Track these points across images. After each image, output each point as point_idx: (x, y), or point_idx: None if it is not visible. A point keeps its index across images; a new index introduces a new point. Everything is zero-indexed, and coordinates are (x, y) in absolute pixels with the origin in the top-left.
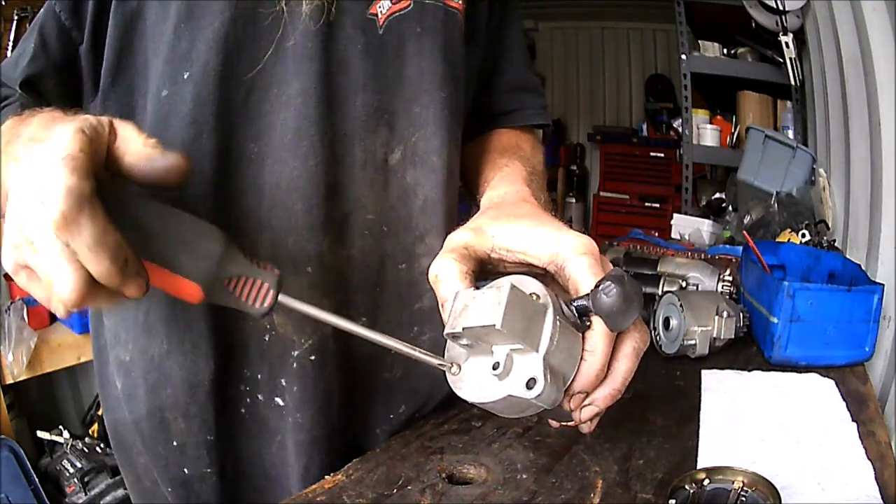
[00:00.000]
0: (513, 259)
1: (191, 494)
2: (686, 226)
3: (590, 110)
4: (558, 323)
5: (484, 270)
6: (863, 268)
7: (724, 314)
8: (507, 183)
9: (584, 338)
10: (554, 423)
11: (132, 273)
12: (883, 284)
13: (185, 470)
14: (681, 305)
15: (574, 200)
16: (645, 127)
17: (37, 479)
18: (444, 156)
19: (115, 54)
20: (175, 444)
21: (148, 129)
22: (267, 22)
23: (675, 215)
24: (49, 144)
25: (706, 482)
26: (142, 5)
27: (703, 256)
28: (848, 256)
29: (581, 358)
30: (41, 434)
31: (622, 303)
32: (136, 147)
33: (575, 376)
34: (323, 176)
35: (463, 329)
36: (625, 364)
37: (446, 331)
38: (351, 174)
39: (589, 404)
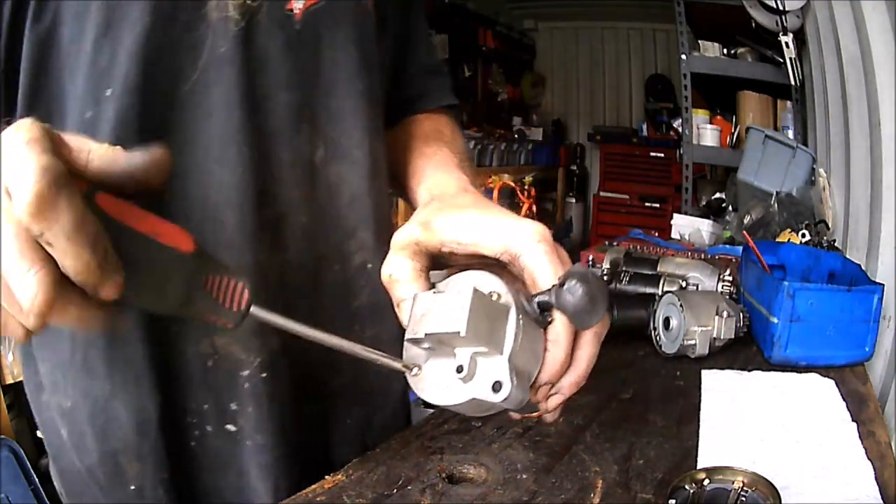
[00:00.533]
0: (464, 251)
1: None
2: (686, 226)
3: (590, 110)
4: (521, 322)
5: (435, 264)
6: (863, 268)
7: (724, 314)
8: (442, 172)
9: (545, 330)
10: (517, 416)
11: (111, 269)
12: (883, 284)
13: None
14: (681, 305)
15: (574, 200)
16: (645, 127)
17: (37, 479)
18: (365, 148)
19: (30, 80)
20: (133, 487)
21: None
22: (186, 28)
23: (675, 215)
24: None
25: (706, 482)
26: (56, 25)
27: (703, 256)
28: (848, 256)
29: (544, 349)
30: (41, 434)
31: (588, 302)
32: (101, 151)
33: (540, 368)
34: (252, 182)
35: (426, 335)
36: (587, 351)
37: (407, 336)
38: (280, 176)
39: (554, 393)
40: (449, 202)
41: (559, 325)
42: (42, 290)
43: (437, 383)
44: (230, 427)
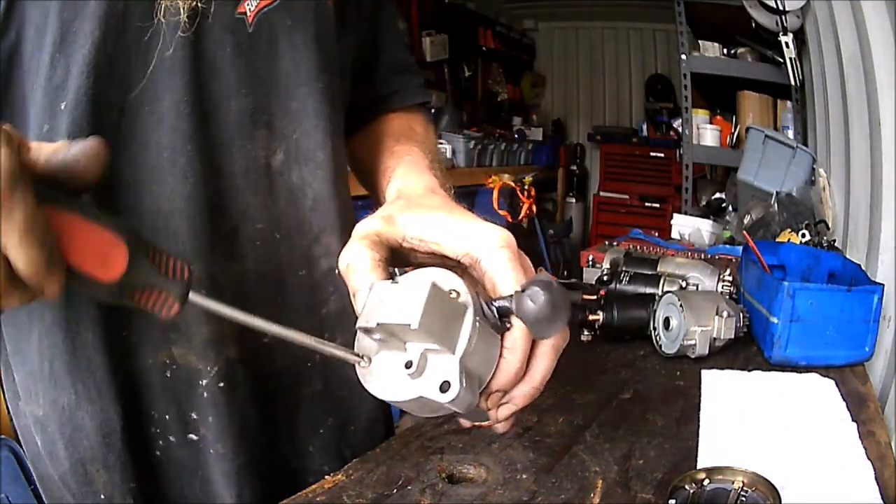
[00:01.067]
0: (425, 249)
1: None
2: (686, 226)
3: (590, 110)
4: (477, 324)
5: (395, 259)
6: (863, 268)
7: (724, 314)
8: (413, 173)
9: (502, 336)
10: (466, 424)
11: (56, 266)
12: (883, 284)
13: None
14: (681, 305)
15: (574, 200)
16: (645, 127)
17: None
18: (328, 149)
19: None
20: (102, 496)
21: None
22: (136, 37)
23: (675, 215)
24: None
25: (706, 482)
26: (19, 40)
27: (703, 256)
28: (848, 256)
29: (500, 355)
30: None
31: (549, 310)
32: (49, 148)
33: (493, 375)
34: (203, 192)
35: (377, 324)
36: (543, 363)
37: (359, 324)
38: (233, 185)
39: (506, 402)
40: (415, 201)
41: (517, 333)
42: None
43: (385, 377)
44: (192, 436)
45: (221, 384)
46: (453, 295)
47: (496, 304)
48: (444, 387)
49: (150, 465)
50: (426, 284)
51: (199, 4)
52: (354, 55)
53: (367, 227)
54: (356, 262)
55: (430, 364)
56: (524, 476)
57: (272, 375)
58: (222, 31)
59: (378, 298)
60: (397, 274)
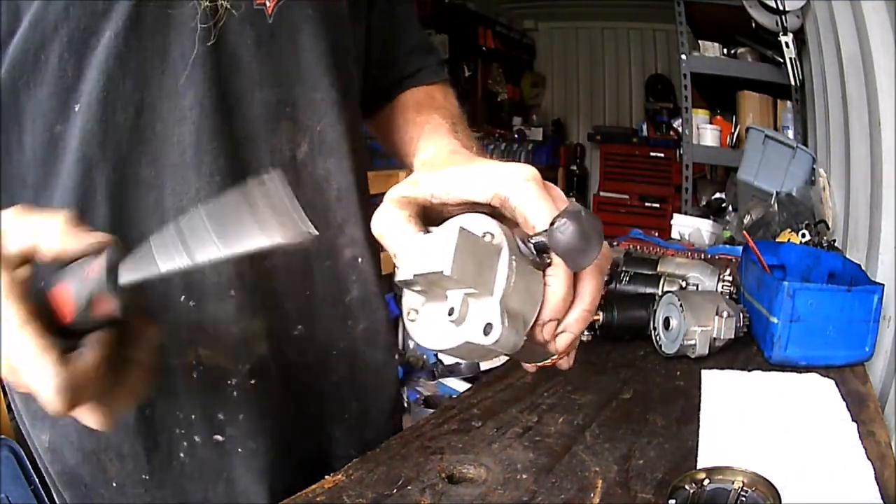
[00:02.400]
0: (455, 201)
1: None
2: (686, 226)
3: (590, 110)
4: (514, 263)
5: (429, 219)
6: (863, 268)
7: (724, 314)
8: (434, 139)
9: (544, 272)
10: (530, 367)
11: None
12: (883, 284)
13: None
14: (681, 305)
15: (574, 200)
16: (645, 127)
17: (37, 479)
18: (350, 140)
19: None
20: (114, 484)
21: (33, 180)
22: (152, 33)
23: (675, 215)
24: None
25: (706, 482)
26: (26, 46)
27: (703, 256)
28: (848, 256)
29: (544, 284)
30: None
31: (580, 241)
32: (51, 244)
33: (541, 307)
34: (232, 187)
35: (414, 276)
36: (590, 284)
37: (398, 278)
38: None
39: (562, 331)
40: (438, 164)
41: (557, 261)
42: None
43: (432, 328)
44: (218, 437)
45: (253, 381)
46: (487, 238)
47: (532, 241)
48: (487, 329)
49: (171, 464)
50: (455, 230)
51: (215, 4)
52: (369, 41)
53: (394, 192)
54: (388, 224)
55: (472, 309)
56: (524, 476)
57: (301, 367)
58: (242, 24)
59: (413, 251)
60: (430, 231)
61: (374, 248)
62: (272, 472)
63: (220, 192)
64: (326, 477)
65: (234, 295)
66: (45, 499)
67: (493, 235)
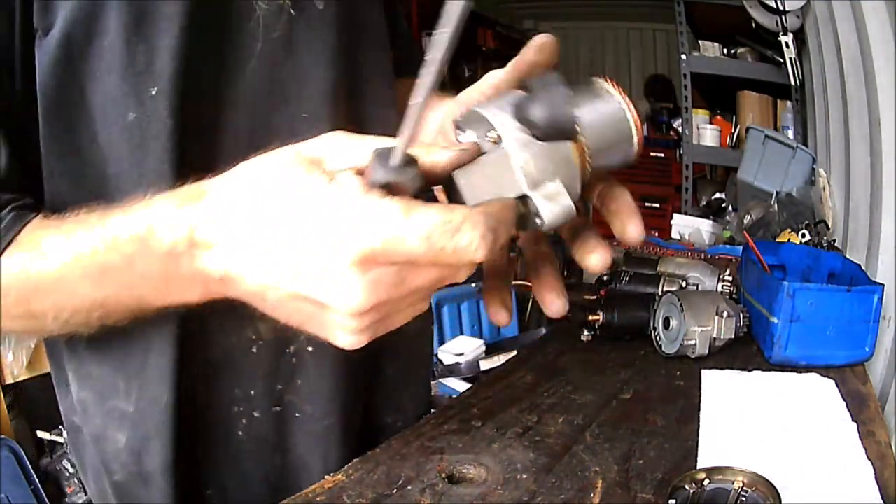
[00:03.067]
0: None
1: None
2: (686, 226)
3: None
4: (526, 156)
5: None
6: (863, 268)
7: (724, 314)
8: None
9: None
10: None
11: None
12: (883, 284)
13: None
14: (681, 305)
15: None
16: (645, 127)
17: (37, 479)
18: (394, 121)
19: (47, 94)
20: (150, 469)
21: (111, 167)
22: (223, 18)
23: (675, 215)
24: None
25: (706, 482)
26: (67, 27)
27: (703, 256)
28: (848, 256)
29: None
30: (41, 434)
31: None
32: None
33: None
34: None
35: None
36: None
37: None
38: None
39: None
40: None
41: None
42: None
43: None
44: (277, 408)
45: (310, 348)
46: (489, 140)
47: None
48: (536, 222)
49: (227, 441)
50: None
51: None
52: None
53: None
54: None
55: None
56: (524, 476)
57: (358, 352)
58: (292, 10)
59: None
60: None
61: None
62: (327, 439)
63: None
64: (326, 477)
65: None
66: (45, 499)
67: (495, 134)
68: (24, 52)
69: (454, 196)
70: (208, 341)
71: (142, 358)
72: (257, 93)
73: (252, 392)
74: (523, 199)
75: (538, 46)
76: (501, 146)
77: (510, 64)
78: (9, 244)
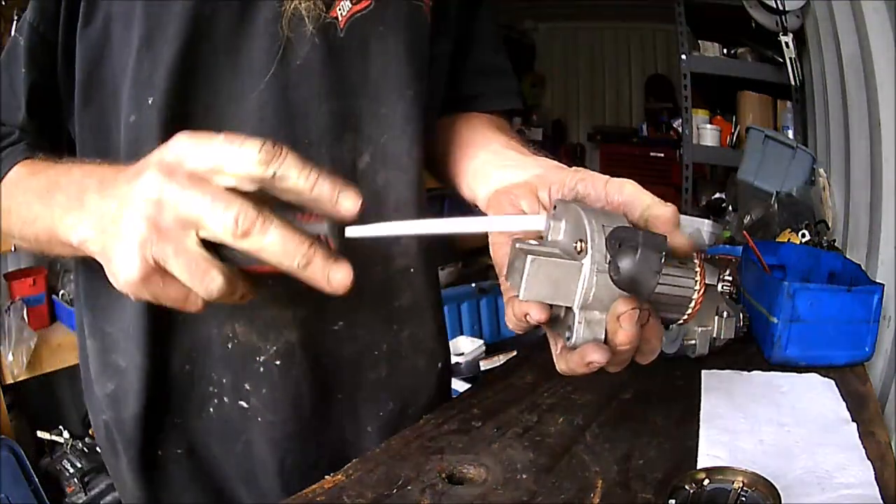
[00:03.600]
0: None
1: (164, 475)
2: (686, 226)
3: (590, 110)
4: (595, 276)
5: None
6: (863, 268)
7: (724, 314)
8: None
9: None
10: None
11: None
12: (883, 284)
13: (159, 452)
14: None
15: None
16: (645, 127)
17: (37, 479)
18: (413, 154)
19: (84, 81)
20: (162, 432)
21: (122, 153)
22: (224, 39)
23: None
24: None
25: (706, 482)
26: (107, 28)
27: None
28: (848, 256)
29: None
30: (41, 434)
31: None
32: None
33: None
34: None
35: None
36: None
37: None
38: None
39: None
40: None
41: None
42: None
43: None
44: (243, 403)
45: (278, 362)
46: (575, 248)
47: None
48: (566, 334)
49: (199, 416)
50: (527, 258)
51: (283, 12)
52: (449, 54)
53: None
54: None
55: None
56: (524, 476)
57: (335, 359)
58: (313, 36)
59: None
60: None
61: (430, 260)
62: (286, 445)
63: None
64: (326, 477)
65: (272, 283)
66: (45, 499)
67: (582, 244)
68: (66, 37)
69: (511, 267)
70: (197, 324)
71: (132, 323)
72: (264, 114)
73: (224, 381)
74: (568, 309)
75: (661, 216)
76: (582, 260)
77: (632, 195)
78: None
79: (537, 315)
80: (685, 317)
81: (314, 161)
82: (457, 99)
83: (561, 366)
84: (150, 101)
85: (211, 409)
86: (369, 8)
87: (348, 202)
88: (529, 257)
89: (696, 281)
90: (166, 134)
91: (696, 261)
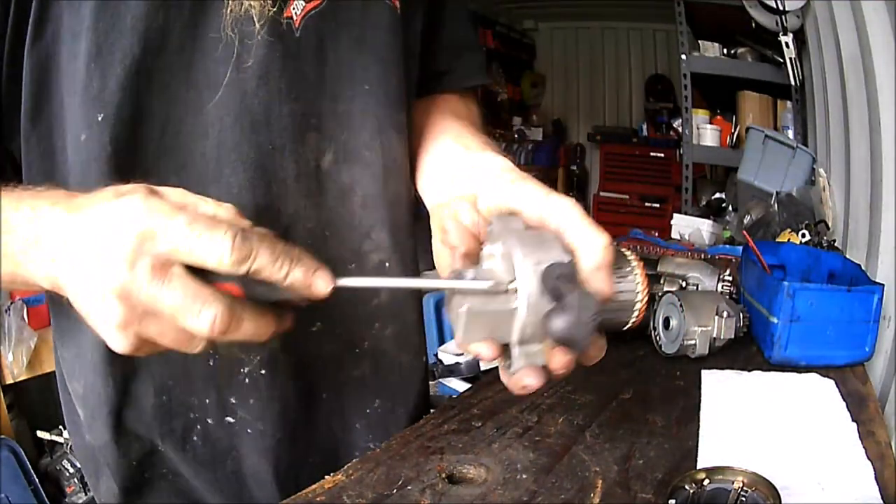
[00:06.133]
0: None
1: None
2: (686, 226)
3: (590, 110)
4: (530, 313)
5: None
6: (863, 268)
7: (724, 314)
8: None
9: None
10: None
11: None
12: (883, 284)
13: (145, 475)
14: (681, 305)
15: (574, 200)
16: (645, 127)
17: (37, 479)
18: (376, 147)
19: (32, 97)
20: (134, 463)
21: (70, 175)
22: (178, 51)
23: (675, 215)
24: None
25: (706, 482)
26: (55, 44)
27: (703, 256)
28: (848, 256)
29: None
30: (41, 434)
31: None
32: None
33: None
34: (252, 198)
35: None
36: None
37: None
38: (284, 188)
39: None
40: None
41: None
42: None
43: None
44: (229, 419)
45: (263, 371)
46: (506, 291)
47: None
48: (507, 364)
49: (182, 449)
50: (463, 310)
51: (250, 12)
52: (420, 36)
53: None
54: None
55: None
56: (524, 476)
57: (317, 360)
58: (269, 38)
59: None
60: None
61: (405, 252)
62: (278, 451)
63: (241, 201)
64: (326, 477)
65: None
66: (45, 499)
67: (511, 288)
68: (12, 49)
69: (450, 306)
70: (162, 356)
71: (89, 347)
72: (224, 122)
73: (207, 401)
74: (507, 345)
75: (592, 248)
76: (514, 303)
77: (568, 220)
78: None
79: (488, 354)
80: (633, 320)
81: (279, 166)
82: (426, 77)
83: (505, 382)
84: (99, 118)
85: (195, 438)
86: (323, 4)
87: (321, 283)
88: (465, 307)
89: (638, 283)
90: (116, 154)
91: (634, 263)
